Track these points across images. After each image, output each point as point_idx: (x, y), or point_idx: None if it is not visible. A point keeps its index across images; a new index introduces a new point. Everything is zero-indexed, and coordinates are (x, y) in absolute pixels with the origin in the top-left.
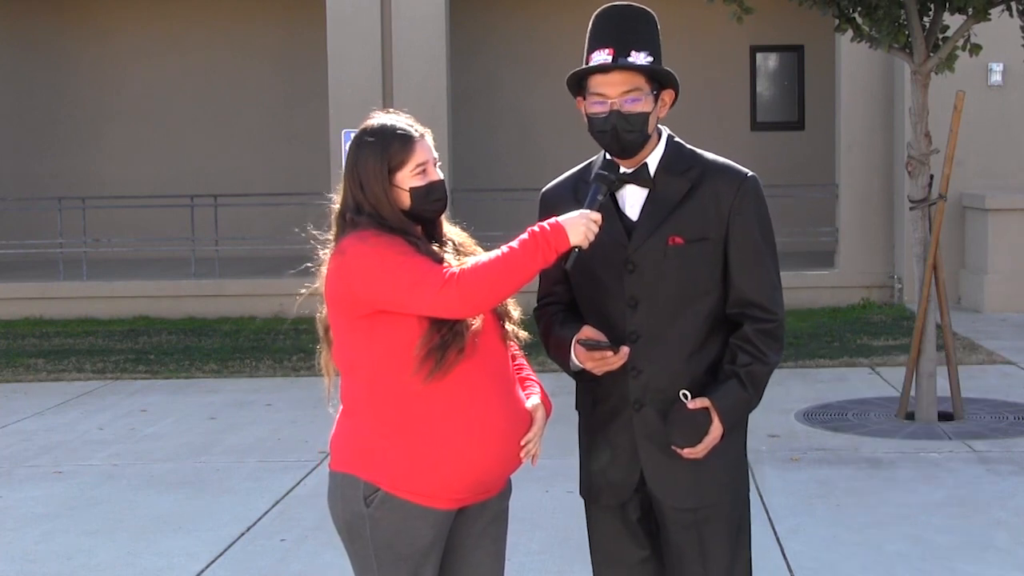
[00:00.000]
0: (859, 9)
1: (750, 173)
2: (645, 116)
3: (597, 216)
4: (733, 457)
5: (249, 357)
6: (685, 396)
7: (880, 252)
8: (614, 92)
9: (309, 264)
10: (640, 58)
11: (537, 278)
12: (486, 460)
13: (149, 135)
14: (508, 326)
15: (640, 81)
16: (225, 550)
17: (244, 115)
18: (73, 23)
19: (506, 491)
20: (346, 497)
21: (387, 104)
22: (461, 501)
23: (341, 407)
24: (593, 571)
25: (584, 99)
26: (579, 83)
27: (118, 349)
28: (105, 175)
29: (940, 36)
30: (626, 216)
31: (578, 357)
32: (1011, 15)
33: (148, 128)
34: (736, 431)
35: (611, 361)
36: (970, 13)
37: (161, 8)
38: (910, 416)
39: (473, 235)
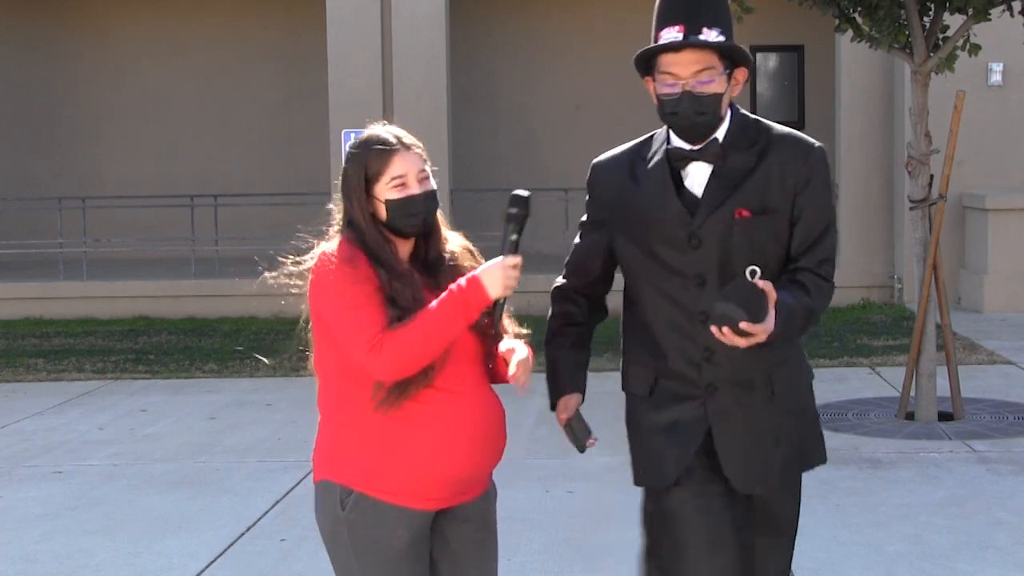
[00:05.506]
0: (859, 9)
1: (817, 144)
2: (718, 97)
3: (515, 260)
4: (795, 452)
5: (249, 357)
6: (753, 273)
7: (880, 252)
8: (686, 72)
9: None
10: (712, 35)
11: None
12: (458, 458)
13: (149, 135)
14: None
15: (713, 59)
16: (225, 550)
17: (244, 115)
18: (73, 23)
19: (489, 496)
20: (325, 504)
21: (387, 104)
22: (437, 501)
23: (320, 415)
24: (662, 564)
25: (653, 79)
26: (647, 63)
27: (118, 349)
28: (105, 175)
29: (940, 36)
30: (689, 192)
31: (558, 419)
32: (1011, 15)
33: (148, 128)
34: (797, 393)
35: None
36: (970, 13)
37: (161, 8)
38: (910, 416)
39: (473, 235)
